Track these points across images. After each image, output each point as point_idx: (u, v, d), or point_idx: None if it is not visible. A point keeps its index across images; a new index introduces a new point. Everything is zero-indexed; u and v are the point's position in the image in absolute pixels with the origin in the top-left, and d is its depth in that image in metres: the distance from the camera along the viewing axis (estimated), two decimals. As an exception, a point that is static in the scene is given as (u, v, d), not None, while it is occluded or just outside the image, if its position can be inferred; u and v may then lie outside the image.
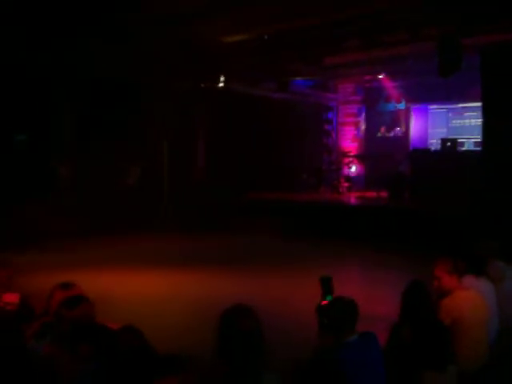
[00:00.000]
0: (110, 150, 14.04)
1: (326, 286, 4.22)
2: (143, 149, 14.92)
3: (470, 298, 4.46)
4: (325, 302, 4.14)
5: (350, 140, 19.05)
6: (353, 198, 15.54)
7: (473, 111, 15.96)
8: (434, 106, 17.46)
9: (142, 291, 7.69)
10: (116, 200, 13.77)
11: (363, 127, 18.78)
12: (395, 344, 4.19)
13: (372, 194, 15.48)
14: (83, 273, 8.36)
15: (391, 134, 17.72)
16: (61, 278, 4.34)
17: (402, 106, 17.69)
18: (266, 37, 12.96)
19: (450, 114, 17.17)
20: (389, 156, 16.08)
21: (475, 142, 15.35)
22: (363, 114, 18.73)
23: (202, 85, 15.10)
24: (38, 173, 13.58)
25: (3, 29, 11.79)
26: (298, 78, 16.29)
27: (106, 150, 13.98)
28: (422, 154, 14.84)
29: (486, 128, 11.75)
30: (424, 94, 16.71)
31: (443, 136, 16.09)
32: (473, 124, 16.12)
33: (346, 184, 16.94)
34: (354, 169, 17.74)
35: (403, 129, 17.73)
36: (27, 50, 12.51)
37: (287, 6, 11.00)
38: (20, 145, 14.34)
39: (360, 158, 18.07)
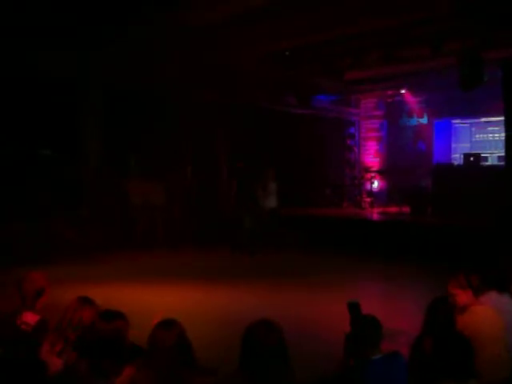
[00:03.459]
0: (135, 164, 14.22)
1: (354, 311, 4.20)
2: (167, 164, 14.99)
3: (484, 313, 4.44)
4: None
5: (372, 155, 19.02)
6: (375, 214, 15.50)
7: (496, 125, 15.85)
8: (457, 121, 17.36)
9: (164, 305, 7.72)
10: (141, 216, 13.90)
11: (385, 142, 18.72)
12: (416, 356, 4.19)
13: (394, 209, 15.42)
14: (105, 287, 8.47)
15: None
16: (83, 292, 4.41)
17: (424, 120, 17.60)
18: (287, 52, 13.05)
19: (473, 129, 17.05)
20: (411, 171, 16.02)
21: (499, 157, 15.22)
22: (385, 129, 18.68)
23: (224, 100, 15.18)
24: (63, 187, 13.75)
25: (28, 41, 12.05)
26: (319, 93, 16.32)
27: (131, 164, 14.17)
28: (445, 168, 14.76)
29: (509, 142, 11.66)
30: (446, 109, 16.63)
31: (466, 151, 15.98)
32: (496, 138, 16.00)
33: (369, 199, 16.92)
34: (376, 184, 17.68)
35: (426, 143, 17.60)
36: (52, 62, 12.76)
37: (308, 21, 11.09)
38: (45, 159, 14.51)
39: (382, 173, 18.00)
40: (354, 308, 4.22)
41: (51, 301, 4.90)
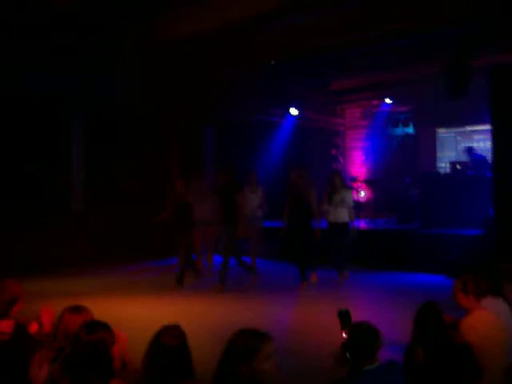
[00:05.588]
0: (120, 177, 14.10)
1: (344, 319, 4.13)
2: (152, 179, 14.84)
3: (486, 318, 4.44)
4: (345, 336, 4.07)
5: (358, 165, 18.99)
6: (362, 223, 15.43)
7: (481, 134, 15.89)
8: (442, 130, 17.38)
9: (155, 317, 7.58)
10: (130, 228, 13.71)
11: (371, 152, 18.68)
12: (409, 366, 4.10)
13: (381, 219, 15.38)
14: (93, 299, 8.30)
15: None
16: (66, 305, 4.26)
17: (410, 129, 17.63)
18: (272, 62, 13.01)
19: (459, 138, 17.09)
20: (398, 181, 15.98)
21: (485, 165, 15.18)
22: (371, 139, 18.64)
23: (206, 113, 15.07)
24: (49, 200, 13.61)
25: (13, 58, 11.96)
26: (304, 103, 16.26)
27: (116, 178, 14.04)
28: (431, 177, 14.73)
29: (496, 151, 11.63)
30: (432, 118, 16.67)
31: (452, 159, 15.98)
32: (481, 147, 15.99)
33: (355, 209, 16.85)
34: (362, 194, 17.64)
35: (413, 153, 17.58)
36: (39, 74, 12.69)
37: (292, 34, 11.06)
38: (31, 173, 14.38)
39: (369, 182, 17.94)
40: (344, 317, 4.13)
41: (32, 314, 4.77)
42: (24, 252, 11.98)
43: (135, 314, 8.09)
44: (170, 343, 3.29)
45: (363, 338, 3.74)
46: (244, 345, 3.07)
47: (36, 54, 12.32)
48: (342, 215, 10.66)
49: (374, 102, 17.64)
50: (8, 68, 12.22)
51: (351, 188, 11.43)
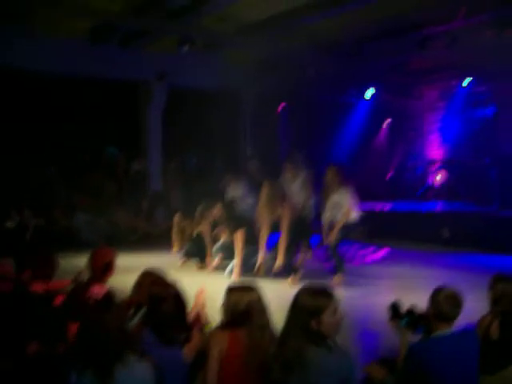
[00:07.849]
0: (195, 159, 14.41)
1: (395, 312, 4.16)
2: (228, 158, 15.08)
3: None
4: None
5: (435, 147, 18.59)
6: (439, 205, 15.23)
7: None
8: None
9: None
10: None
11: (449, 134, 18.24)
12: (482, 337, 4.06)
13: (458, 202, 15.10)
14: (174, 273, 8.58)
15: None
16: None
17: (489, 110, 17.09)
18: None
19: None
20: (476, 161, 15.60)
21: None
22: (449, 121, 18.19)
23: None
24: (129, 180, 14.09)
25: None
26: (380, 85, 16.11)
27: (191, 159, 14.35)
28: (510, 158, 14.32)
29: None
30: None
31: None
32: None
33: (431, 192, 16.63)
34: (439, 177, 17.30)
35: (492, 134, 17.08)
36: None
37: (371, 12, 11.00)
38: (111, 157, 14.89)
39: (446, 163, 17.50)
40: (394, 309, 4.16)
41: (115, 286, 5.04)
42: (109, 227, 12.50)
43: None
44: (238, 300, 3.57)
45: (446, 301, 3.76)
46: (312, 303, 3.26)
47: (115, 40, 12.71)
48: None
49: (453, 83, 17.16)
50: (89, 55, 12.67)
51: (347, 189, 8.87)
